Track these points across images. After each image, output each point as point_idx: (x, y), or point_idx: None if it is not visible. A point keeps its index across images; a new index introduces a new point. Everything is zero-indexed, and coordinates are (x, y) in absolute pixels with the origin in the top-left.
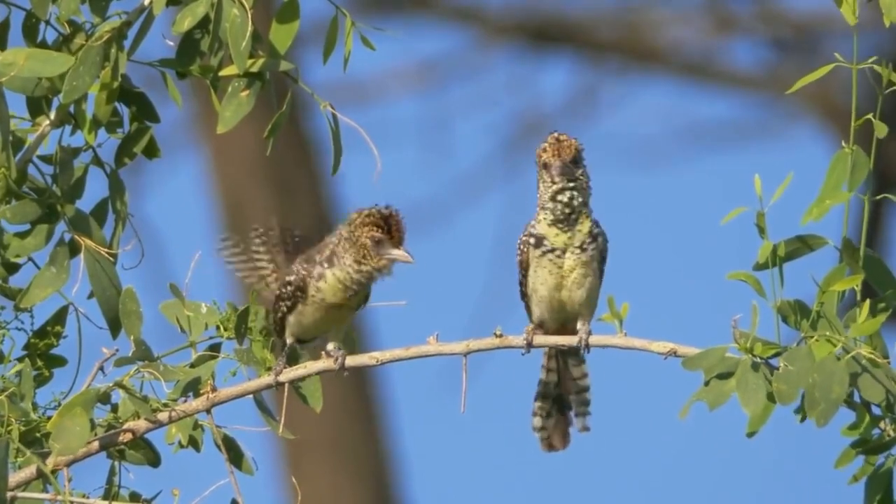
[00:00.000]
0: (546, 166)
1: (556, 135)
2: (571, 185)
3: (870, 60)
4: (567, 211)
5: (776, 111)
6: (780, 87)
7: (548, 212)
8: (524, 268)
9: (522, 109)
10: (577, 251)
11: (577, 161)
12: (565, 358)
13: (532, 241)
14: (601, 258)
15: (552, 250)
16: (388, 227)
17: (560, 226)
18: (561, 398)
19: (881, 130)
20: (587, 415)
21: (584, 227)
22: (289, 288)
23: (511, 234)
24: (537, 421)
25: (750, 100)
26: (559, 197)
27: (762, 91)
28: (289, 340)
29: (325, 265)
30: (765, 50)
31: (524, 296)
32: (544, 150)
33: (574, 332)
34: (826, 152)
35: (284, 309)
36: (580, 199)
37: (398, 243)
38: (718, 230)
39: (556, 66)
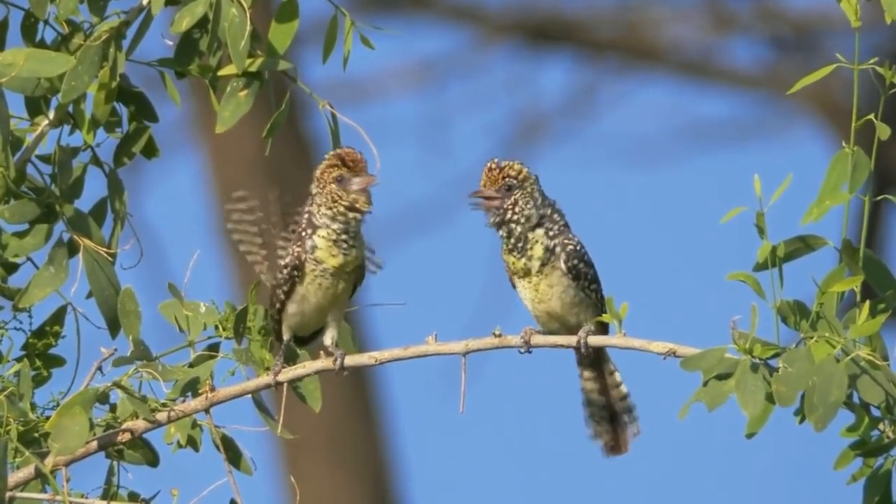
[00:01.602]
0: None
1: (488, 163)
2: (498, 220)
3: (871, 61)
4: (512, 241)
5: (775, 110)
6: (779, 86)
7: (502, 240)
8: (512, 285)
9: (521, 108)
10: (540, 267)
11: (510, 188)
12: (600, 366)
13: (504, 261)
14: (570, 267)
15: (515, 273)
16: (345, 162)
17: (514, 254)
18: (608, 405)
19: (884, 132)
20: (635, 420)
21: (537, 251)
22: (284, 272)
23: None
24: (592, 429)
25: (749, 98)
26: (499, 231)
27: (761, 90)
28: (286, 337)
29: (311, 231)
30: (764, 48)
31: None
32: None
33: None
34: (825, 151)
35: (282, 296)
36: (519, 230)
37: (360, 173)
38: (718, 229)
39: (554, 64)
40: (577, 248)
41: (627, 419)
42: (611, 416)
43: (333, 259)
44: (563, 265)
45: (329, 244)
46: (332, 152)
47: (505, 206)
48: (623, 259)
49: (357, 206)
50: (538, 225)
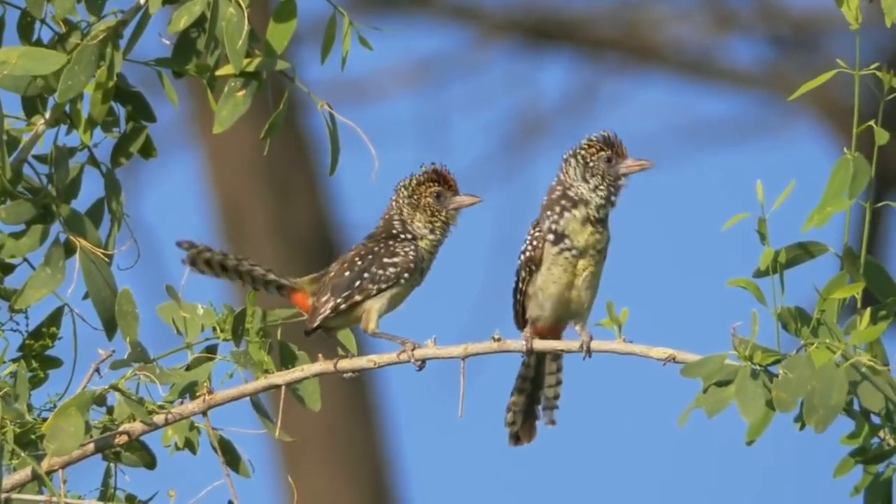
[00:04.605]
0: (610, 161)
1: (615, 135)
2: (624, 187)
3: (872, 66)
4: (600, 213)
5: (776, 109)
6: (779, 85)
7: (591, 209)
8: (535, 264)
9: (521, 107)
10: (594, 252)
11: None
12: (543, 356)
13: (551, 237)
14: (605, 257)
15: (570, 249)
16: (444, 179)
17: (598, 226)
18: (534, 394)
19: (882, 138)
20: (555, 408)
21: (609, 230)
22: (393, 270)
23: (510, 234)
24: (509, 416)
25: (749, 97)
26: (613, 198)
27: (762, 89)
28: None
29: (410, 237)
30: (764, 47)
31: (521, 293)
32: (610, 145)
33: (563, 330)
34: (825, 150)
35: (375, 291)
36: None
37: (457, 191)
38: (718, 229)
39: (554, 63)
40: None
41: (543, 408)
42: (530, 406)
43: (428, 266)
44: (606, 253)
45: (426, 253)
46: (425, 168)
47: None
48: (622, 261)
49: (451, 222)
50: None
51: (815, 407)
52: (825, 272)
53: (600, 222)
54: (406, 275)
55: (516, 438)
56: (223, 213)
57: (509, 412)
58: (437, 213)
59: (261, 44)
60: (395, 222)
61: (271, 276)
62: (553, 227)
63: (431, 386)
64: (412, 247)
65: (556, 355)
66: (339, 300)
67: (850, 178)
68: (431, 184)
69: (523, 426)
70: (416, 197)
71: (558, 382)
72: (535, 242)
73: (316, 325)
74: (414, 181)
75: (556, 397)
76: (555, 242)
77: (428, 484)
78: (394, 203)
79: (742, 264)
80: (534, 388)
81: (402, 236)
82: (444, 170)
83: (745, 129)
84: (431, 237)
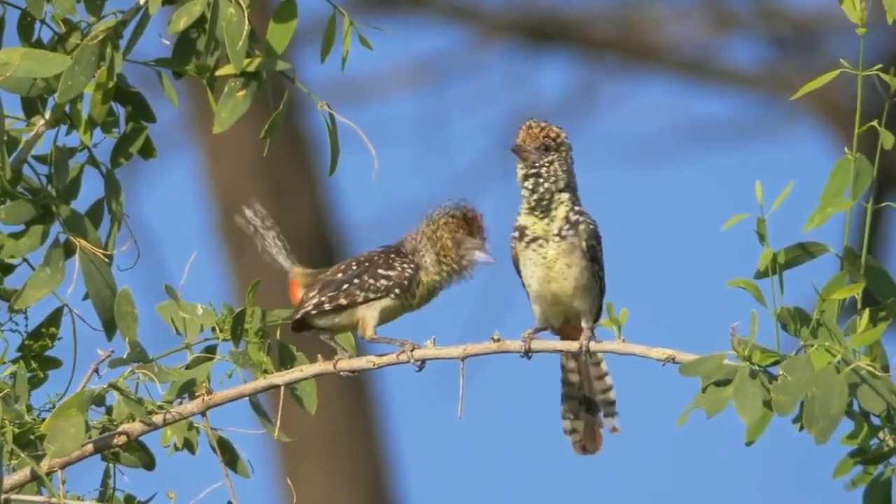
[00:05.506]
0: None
1: (529, 121)
2: (533, 171)
3: (876, 67)
4: (535, 197)
5: (775, 109)
6: (779, 86)
7: (524, 199)
8: (516, 264)
9: (520, 108)
10: (557, 239)
11: (547, 148)
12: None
13: (516, 233)
14: (589, 247)
15: (534, 239)
16: (470, 228)
17: (536, 213)
18: (587, 399)
19: (888, 141)
20: (615, 415)
21: (560, 212)
22: (384, 282)
23: (509, 234)
24: (567, 424)
25: (749, 98)
26: (525, 183)
27: (761, 89)
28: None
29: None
30: (764, 48)
31: (527, 295)
32: (516, 136)
33: (578, 329)
34: (826, 150)
35: (362, 299)
36: (546, 186)
37: (481, 241)
38: (717, 228)
39: (553, 64)
40: (596, 229)
41: (605, 415)
42: (588, 412)
43: (420, 300)
44: (583, 244)
45: (424, 288)
46: (460, 208)
47: (540, 163)
48: (622, 261)
49: (463, 272)
50: (565, 190)
51: (815, 418)
52: (825, 272)
53: (537, 208)
54: (397, 290)
55: (583, 448)
56: (222, 213)
57: (565, 420)
58: (448, 258)
59: (261, 44)
60: (408, 244)
61: (282, 261)
62: (516, 222)
63: (431, 387)
64: (412, 266)
65: (597, 359)
66: (323, 298)
67: (852, 178)
68: (456, 228)
69: (587, 434)
70: (437, 234)
71: (609, 388)
72: (511, 243)
73: (297, 318)
74: (441, 219)
75: (613, 403)
76: (520, 237)
77: (427, 485)
78: (418, 228)
79: (742, 265)
80: (584, 394)
81: (408, 257)
82: (475, 217)
83: (745, 129)
84: (436, 277)
